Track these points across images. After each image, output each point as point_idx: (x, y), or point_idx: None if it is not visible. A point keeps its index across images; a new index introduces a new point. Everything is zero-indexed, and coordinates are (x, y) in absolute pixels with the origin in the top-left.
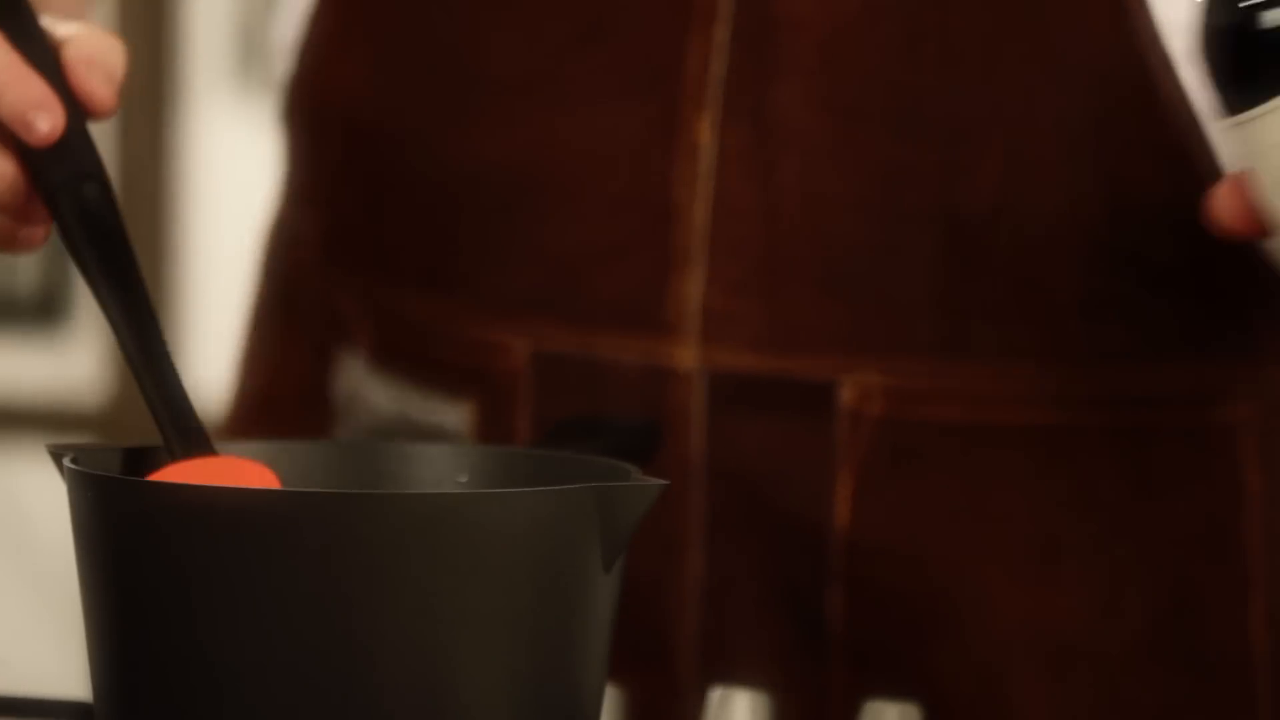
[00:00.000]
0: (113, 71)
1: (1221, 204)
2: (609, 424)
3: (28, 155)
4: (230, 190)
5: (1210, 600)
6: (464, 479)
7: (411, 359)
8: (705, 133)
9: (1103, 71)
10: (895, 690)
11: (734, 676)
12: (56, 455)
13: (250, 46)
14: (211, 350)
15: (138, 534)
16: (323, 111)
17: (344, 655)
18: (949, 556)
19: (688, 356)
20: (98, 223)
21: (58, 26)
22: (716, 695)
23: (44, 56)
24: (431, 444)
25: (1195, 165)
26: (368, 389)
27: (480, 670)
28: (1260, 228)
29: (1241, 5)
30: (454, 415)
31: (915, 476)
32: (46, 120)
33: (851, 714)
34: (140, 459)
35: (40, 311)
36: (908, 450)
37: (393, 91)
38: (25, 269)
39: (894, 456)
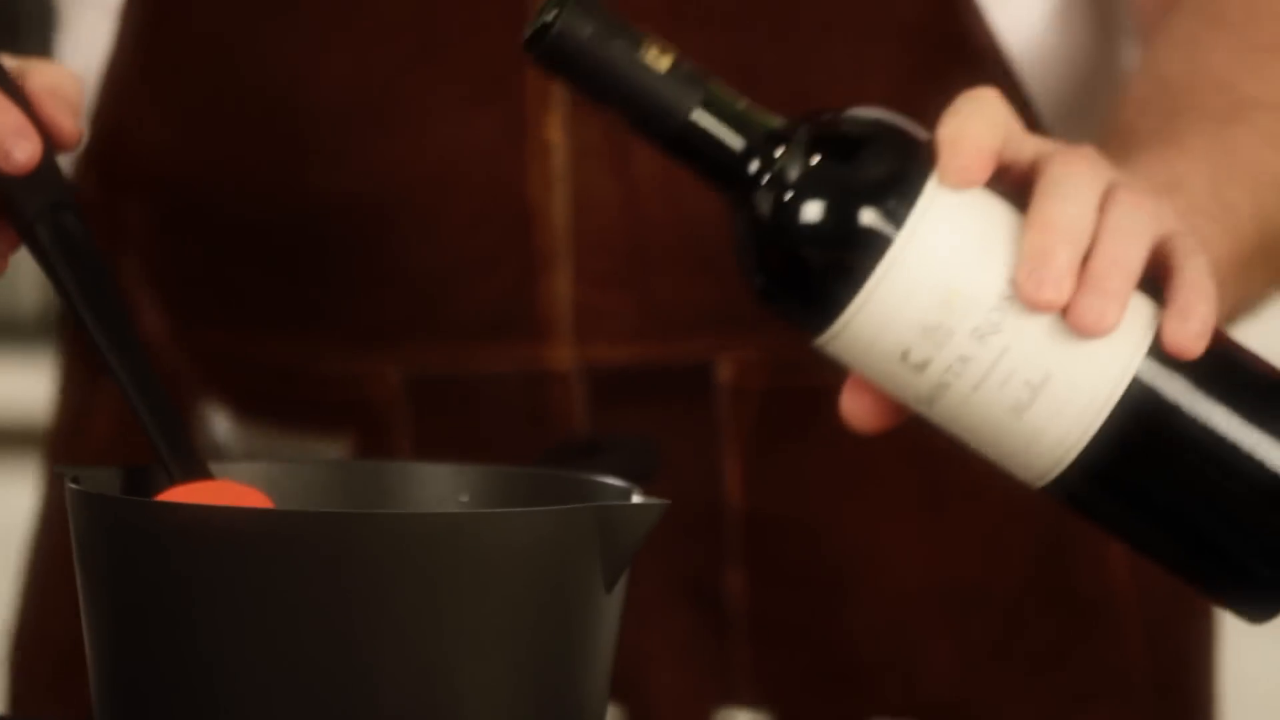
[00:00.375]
0: (75, 102)
1: (851, 409)
2: (608, 443)
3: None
4: None
5: (1075, 541)
6: (465, 498)
7: (280, 403)
8: (556, 131)
9: (921, 23)
10: (802, 661)
11: (640, 670)
12: (60, 476)
13: None
14: None
15: (140, 554)
16: (130, 175)
17: (346, 674)
18: (842, 520)
19: (564, 357)
20: (77, 251)
21: (10, 60)
22: (719, 716)
23: (10, 87)
24: (433, 463)
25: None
26: (236, 438)
27: (482, 689)
28: (896, 415)
29: (784, 200)
30: (333, 450)
31: (801, 445)
32: (25, 148)
33: (758, 691)
34: (142, 480)
35: (41, 331)
36: (791, 420)
37: (215, 143)
38: (27, 289)
39: (778, 428)
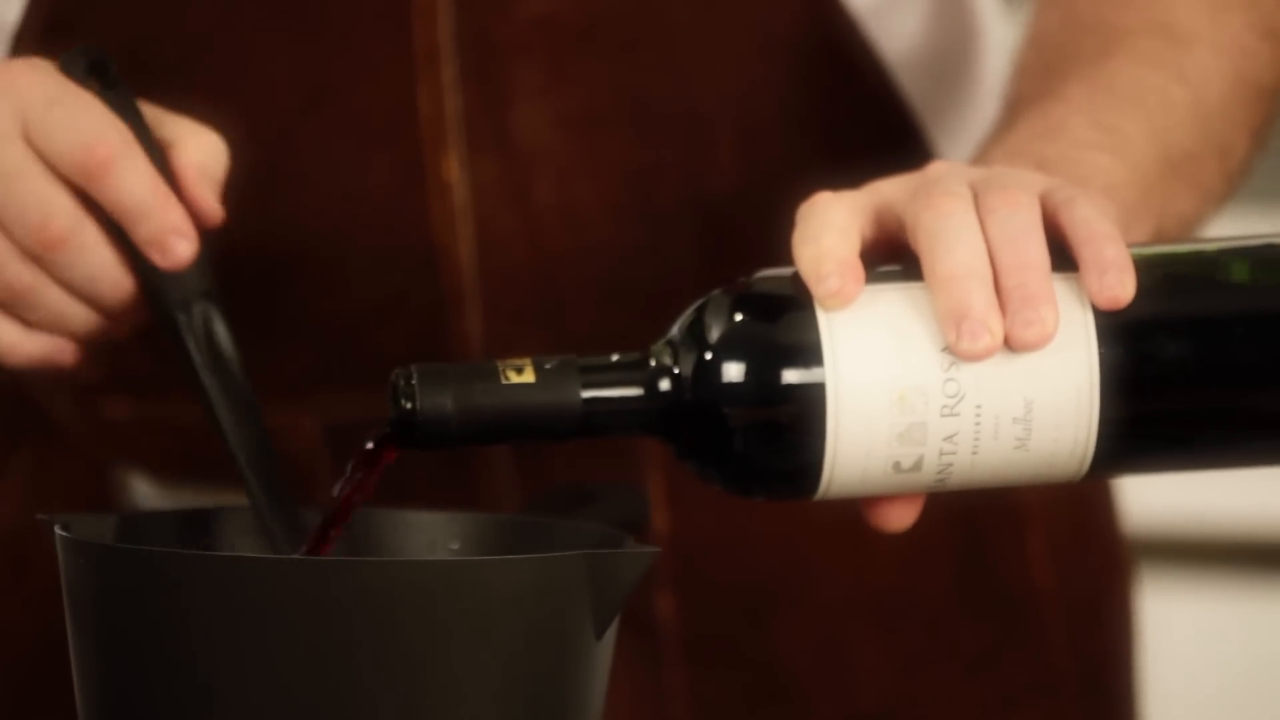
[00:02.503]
0: (219, 179)
1: (879, 522)
2: (599, 492)
3: (146, 272)
4: None
5: (996, 542)
6: (456, 546)
7: (200, 462)
8: (454, 170)
9: (800, 39)
10: (736, 681)
11: None
12: (49, 523)
13: None
14: None
15: (130, 602)
16: None
17: None
18: (766, 537)
19: None
20: (213, 342)
21: (157, 118)
22: None
23: (162, 166)
24: (423, 511)
25: (893, 115)
26: (158, 501)
27: None
28: (919, 503)
29: (718, 414)
30: None
31: None
32: (184, 249)
33: (693, 710)
34: (131, 527)
35: None
36: None
37: None
38: None
39: None
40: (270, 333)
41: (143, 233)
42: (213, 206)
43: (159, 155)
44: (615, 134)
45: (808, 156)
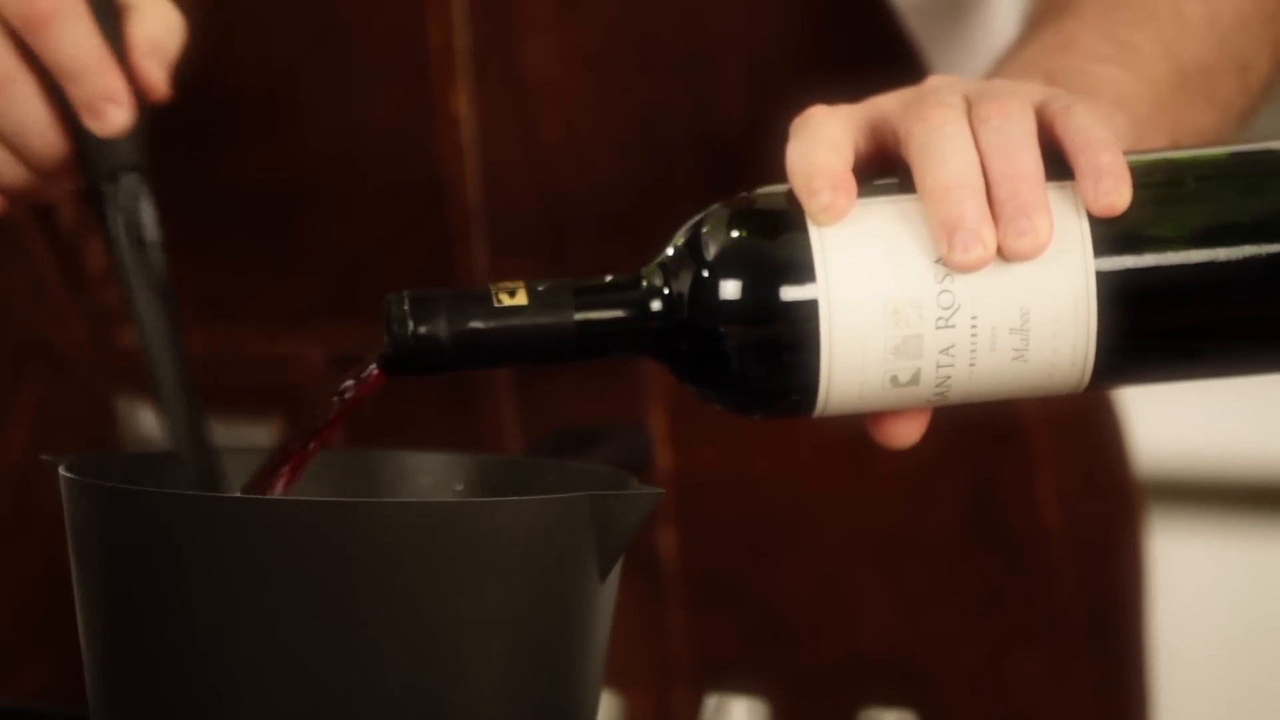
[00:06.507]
0: (171, 56)
1: (883, 437)
2: (603, 433)
3: (80, 135)
4: None
5: (1004, 483)
6: (460, 487)
7: (204, 390)
8: (462, 104)
9: None
10: (739, 619)
11: None
12: (53, 464)
13: None
14: None
15: (134, 542)
16: None
17: (340, 663)
18: (770, 474)
19: None
20: (134, 217)
21: None
22: (713, 703)
23: (111, 31)
24: (428, 453)
25: (900, 56)
26: (161, 435)
27: (476, 678)
28: (924, 417)
29: (713, 331)
30: (263, 434)
31: None
32: (118, 117)
33: (696, 648)
34: (135, 467)
35: None
36: None
37: None
38: None
39: None
40: (277, 263)
41: (77, 93)
42: (157, 80)
43: (111, 19)
44: (623, 70)
45: (815, 94)
